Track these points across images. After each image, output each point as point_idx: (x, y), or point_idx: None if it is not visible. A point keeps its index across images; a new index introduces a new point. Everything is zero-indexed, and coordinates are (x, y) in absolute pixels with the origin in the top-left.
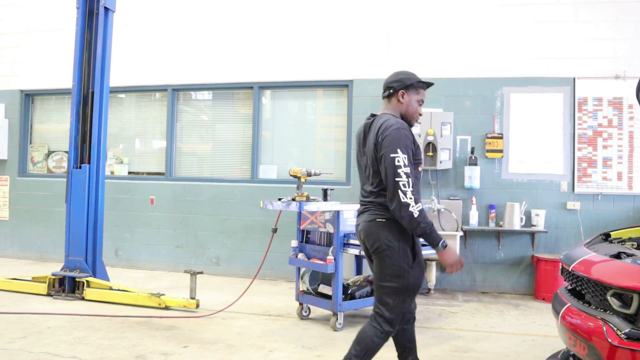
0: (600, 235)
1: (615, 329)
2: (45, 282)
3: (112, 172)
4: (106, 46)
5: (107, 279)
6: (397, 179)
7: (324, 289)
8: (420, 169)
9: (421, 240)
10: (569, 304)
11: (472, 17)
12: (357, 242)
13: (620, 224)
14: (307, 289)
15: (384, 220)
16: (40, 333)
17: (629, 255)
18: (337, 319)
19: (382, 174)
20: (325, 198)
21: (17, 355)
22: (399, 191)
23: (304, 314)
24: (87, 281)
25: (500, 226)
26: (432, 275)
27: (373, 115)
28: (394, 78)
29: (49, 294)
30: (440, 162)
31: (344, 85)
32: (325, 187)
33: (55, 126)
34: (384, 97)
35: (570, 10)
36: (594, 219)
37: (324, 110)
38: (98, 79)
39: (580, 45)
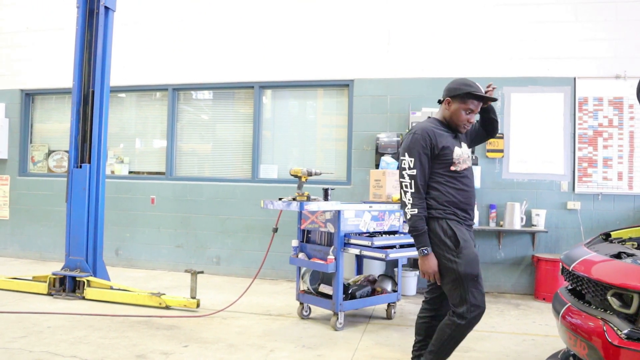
0: (600, 235)
1: (615, 328)
2: (45, 282)
3: (112, 172)
4: (106, 45)
5: (108, 279)
6: (400, 180)
7: (324, 288)
8: (454, 167)
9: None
10: (569, 303)
11: (473, 16)
12: (357, 241)
13: (621, 223)
14: (308, 289)
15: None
16: (40, 332)
17: (629, 255)
18: (337, 318)
19: None
20: (326, 198)
21: (17, 355)
22: (401, 191)
23: (305, 313)
24: (88, 280)
25: (501, 226)
26: None
27: None
28: (446, 86)
29: (49, 294)
30: None
31: (345, 85)
32: (326, 186)
33: (55, 125)
34: (438, 102)
35: (571, 10)
36: (594, 218)
37: (324, 110)
38: (98, 78)
39: (580, 45)
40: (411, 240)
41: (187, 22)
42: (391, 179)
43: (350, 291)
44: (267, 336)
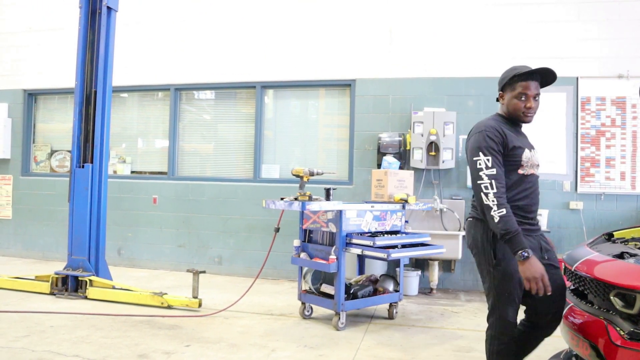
0: (603, 235)
1: (618, 329)
2: (48, 281)
3: (114, 172)
4: (109, 46)
5: (110, 278)
6: (478, 182)
7: (326, 288)
8: (522, 170)
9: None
10: (572, 304)
11: (474, 16)
12: (359, 241)
13: (623, 223)
14: (310, 289)
15: (472, 219)
16: (43, 332)
17: (632, 255)
18: (339, 318)
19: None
20: (327, 197)
21: (20, 354)
22: (481, 194)
23: (306, 313)
24: (90, 280)
25: None
26: (434, 275)
27: None
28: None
29: (52, 293)
30: (443, 162)
31: (347, 85)
32: (327, 186)
33: (58, 125)
34: (497, 100)
35: (573, 10)
36: (596, 218)
37: (326, 110)
38: (101, 78)
39: (582, 44)
40: (413, 240)
41: (189, 22)
42: (393, 179)
43: (352, 291)
44: (268, 336)
